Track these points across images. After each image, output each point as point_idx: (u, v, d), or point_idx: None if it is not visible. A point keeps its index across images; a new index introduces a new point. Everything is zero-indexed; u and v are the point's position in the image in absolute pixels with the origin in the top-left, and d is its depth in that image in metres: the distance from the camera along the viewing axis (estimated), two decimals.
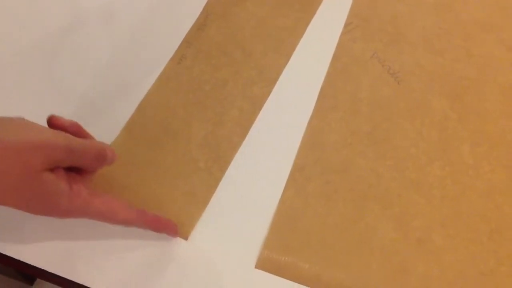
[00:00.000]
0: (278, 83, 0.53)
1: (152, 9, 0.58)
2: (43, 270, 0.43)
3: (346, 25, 0.57)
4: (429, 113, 0.51)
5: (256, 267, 0.43)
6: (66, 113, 0.50)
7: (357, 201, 0.46)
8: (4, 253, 0.44)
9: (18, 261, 0.43)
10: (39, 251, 0.44)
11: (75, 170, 0.39)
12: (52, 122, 0.40)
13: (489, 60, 0.55)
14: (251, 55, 0.55)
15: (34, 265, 0.43)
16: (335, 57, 0.55)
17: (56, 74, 0.54)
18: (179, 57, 0.54)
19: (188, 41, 0.55)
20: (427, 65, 0.54)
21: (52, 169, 0.36)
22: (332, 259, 0.43)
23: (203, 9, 0.58)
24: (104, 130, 0.49)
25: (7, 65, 0.54)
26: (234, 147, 0.49)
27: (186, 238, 0.44)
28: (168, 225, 0.44)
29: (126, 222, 0.41)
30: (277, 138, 0.50)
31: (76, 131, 0.41)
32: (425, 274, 0.43)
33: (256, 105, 0.51)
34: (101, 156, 0.41)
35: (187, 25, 0.56)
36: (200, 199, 0.46)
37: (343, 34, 0.56)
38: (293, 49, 0.55)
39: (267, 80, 0.53)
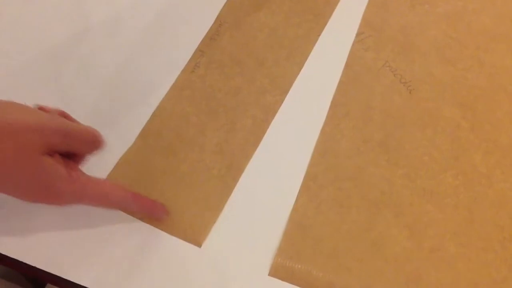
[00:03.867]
0: (290, 91, 0.53)
1: (165, 19, 0.59)
2: (53, 275, 0.43)
3: (358, 34, 0.57)
4: (441, 122, 0.51)
5: (270, 274, 0.43)
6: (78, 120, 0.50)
7: (370, 209, 0.46)
8: (13, 256, 0.44)
9: (28, 265, 0.44)
10: (50, 255, 0.44)
11: (68, 156, 0.39)
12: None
13: (500, 69, 0.55)
14: (263, 63, 0.55)
15: (45, 269, 0.44)
16: (347, 66, 0.55)
17: (67, 83, 0.54)
18: (193, 66, 0.55)
19: (201, 50, 0.56)
20: (439, 74, 0.54)
21: (49, 154, 0.36)
22: (345, 267, 0.44)
23: (216, 19, 0.58)
24: (119, 138, 0.50)
25: (15, 77, 0.54)
26: (247, 155, 0.49)
27: (199, 246, 0.45)
28: (158, 207, 0.45)
29: (122, 204, 0.42)
30: (289, 146, 0.50)
31: (64, 117, 0.41)
32: (438, 283, 0.43)
33: (269, 113, 0.52)
34: (96, 140, 0.41)
35: (200, 34, 0.57)
36: (213, 206, 0.47)
37: (355, 43, 0.57)
38: (306, 58, 0.56)
39: (280, 88, 0.53)
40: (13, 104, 0.36)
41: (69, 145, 0.38)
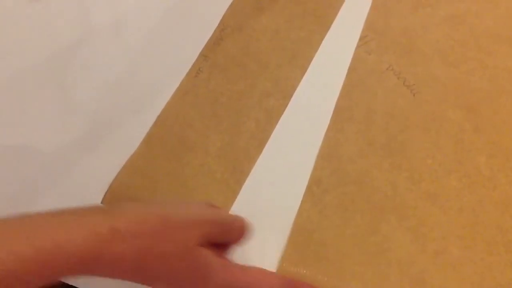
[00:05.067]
0: (294, 95, 0.53)
1: (169, 24, 0.59)
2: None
3: (362, 37, 0.57)
4: (444, 124, 0.51)
5: None
6: (82, 127, 0.51)
7: (373, 213, 0.46)
8: None
9: None
10: None
11: (216, 245, 0.39)
12: None
13: (503, 72, 0.55)
14: (266, 67, 0.55)
15: None
16: (351, 70, 0.55)
17: (70, 88, 0.54)
18: (196, 70, 0.55)
19: (204, 55, 0.56)
20: (442, 77, 0.54)
21: (203, 244, 0.36)
22: (349, 271, 0.44)
23: (219, 23, 0.59)
24: (123, 142, 0.50)
25: (18, 80, 0.55)
26: (251, 159, 0.49)
27: None
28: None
29: None
30: (293, 150, 0.50)
31: None
32: (443, 286, 0.43)
33: (272, 117, 0.52)
34: (245, 229, 0.41)
35: (203, 39, 0.57)
36: None
37: (359, 46, 0.57)
38: (309, 61, 0.56)
39: (283, 92, 0.54)
40: (175, 200, 0.40)
41: (222, 235, 0.39)
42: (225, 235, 0.40)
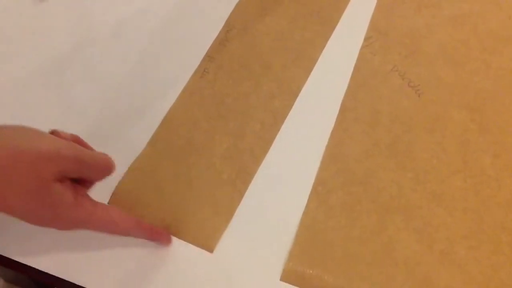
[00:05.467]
0: (299, 96, 0.53)
1: (174, 25, 0.59)
2: (62, 279, 0.44)
3: (366, 38, 0.58)
4: (449, 125, 0.52)
5: (281, 279, 0.44)
6: (87, 129, 0.51)
7: (379, 213, 0.47)
8: (21, 261, 0.44)
9: (36, 270, 0.44)
10: (58, 259, 0.44)
11: (77, 180, 0.39)
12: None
13: (507, 72, 0.55)
14: (271, 68, 0.55)
15: (53, 274, 0.44)
16: (356, 70, 0.55)
17: (74, 90, 0.54)
18: (202, 71, 0.55)
19: (210, 56, 0.56)
20: (447, 78, 0.55)
21: (60, 180, 0.36)
22: (356, 271, 0.44)
23: (224, 24, 0.59)
24: (129, 144, 0.50)
25: (20, 83, 0.55)
26: (257, 160, 0.50)
27: (211, 251, 0.45)
28: (162, 234, 0.45)
29: (124, 232, 0.42)
30: (299, 150, 0.50)
31: (77, 143, 0.40)
32: (449, 286, 0.43)
33: (277, 118, 0.52)
34: (108, 167, 0.41)
35: (209, 40, 0.57)
36: (224, 211, 0.47)
37: (363, 47, 0.57)
38: (314, 62, 0.56)
39: (288, 93, 0.54)
40: (27, 130, 0.36)
41: (81, 172, 0.38)
42: (86, 172, 0.39)
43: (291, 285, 0.43)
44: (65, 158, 0.36)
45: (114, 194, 0.48)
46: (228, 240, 0.46)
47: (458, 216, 0.47)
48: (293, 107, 0.53)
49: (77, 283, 0.44)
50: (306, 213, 0.47)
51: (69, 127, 0.52)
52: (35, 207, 0.35)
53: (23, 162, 0.34)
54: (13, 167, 0.33)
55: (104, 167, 0.40)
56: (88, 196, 0.40)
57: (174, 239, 0.45)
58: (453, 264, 0.44)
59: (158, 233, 0.45)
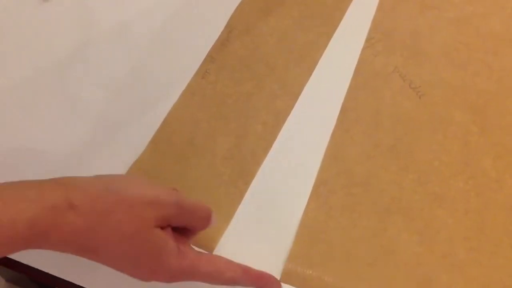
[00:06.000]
0: (301, 96, 0.53)
1: (176, 25, 0.59)
2: (63, 280, 0.44)
3: (368, 39, 0.57)
4: (451, 126, 0.51)
5: (281, 280, 0.43)
6: (89, 129, 0.51)
7: (380, 214, 0.47)
8: (22, 262, 0.44)
9: (37, 270, 0.44)
10: (60, 260, 0.44)
11: (179, 231, 0.38)
12: None
13: (510, 73, 0.55)
14: (273, 69, 0.55)
15: (55, 274, 0.44)
16: (357, 71, 0.55)
17: (77, 90, 0.54)
18: (203, 72, 0.55)
19: (211, 56, 0.56)
20: (449, 79, 0.55)
21: (162, 227, 0.35)
22: (356, 272, 0.44)
23: (226, 25, 0.59)
24: (130, 144, 0.50)
25: (23, 83, 0.55)
26: (258, 161, 0.50)
27: (211, 251, 0.45)
28: (272, 281, 0.41)
29: (231, 282, 0.39)
30: (300, 151, 0.50)
31: None
32: (450, 287, 0.43)
33: (279, 118, 0.52)
34: (208, 215, 0.40)
35: (210, 40, 0.57)
36: (225, 212, 0.47)
37: (365, 48, 0.57)
38: (316, 63, 0.56)
39: (290, 93, 0.54)
40: (131, 176, 0.38)
41: (182, 220, 0.38)
42: (187, 219, 0.38)
43: (291, 286, 0.43)
44: (166, 203, 0.36)
45: None
46: (228, 240, 0.46)
47: (459, 217, 0.46)
48: (295, 107, 0.53)
49: (77, 283, 0.44)
50: (306, 213, 0.47)
51: (71, 127, 0.52)
52: (136, 253, 0.35)
53: (123, 205, 0.34)
54: (113, 211, 0.33)
55: (205, 215, 0.39)
56: (191, 246, 0.39)
57: None
58: (454, 266, 0.44)
59: (269, 281, 0.41)
